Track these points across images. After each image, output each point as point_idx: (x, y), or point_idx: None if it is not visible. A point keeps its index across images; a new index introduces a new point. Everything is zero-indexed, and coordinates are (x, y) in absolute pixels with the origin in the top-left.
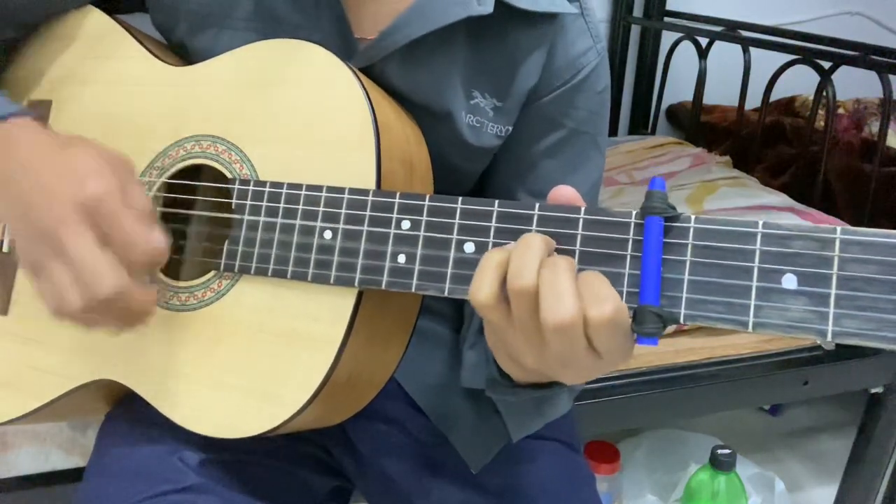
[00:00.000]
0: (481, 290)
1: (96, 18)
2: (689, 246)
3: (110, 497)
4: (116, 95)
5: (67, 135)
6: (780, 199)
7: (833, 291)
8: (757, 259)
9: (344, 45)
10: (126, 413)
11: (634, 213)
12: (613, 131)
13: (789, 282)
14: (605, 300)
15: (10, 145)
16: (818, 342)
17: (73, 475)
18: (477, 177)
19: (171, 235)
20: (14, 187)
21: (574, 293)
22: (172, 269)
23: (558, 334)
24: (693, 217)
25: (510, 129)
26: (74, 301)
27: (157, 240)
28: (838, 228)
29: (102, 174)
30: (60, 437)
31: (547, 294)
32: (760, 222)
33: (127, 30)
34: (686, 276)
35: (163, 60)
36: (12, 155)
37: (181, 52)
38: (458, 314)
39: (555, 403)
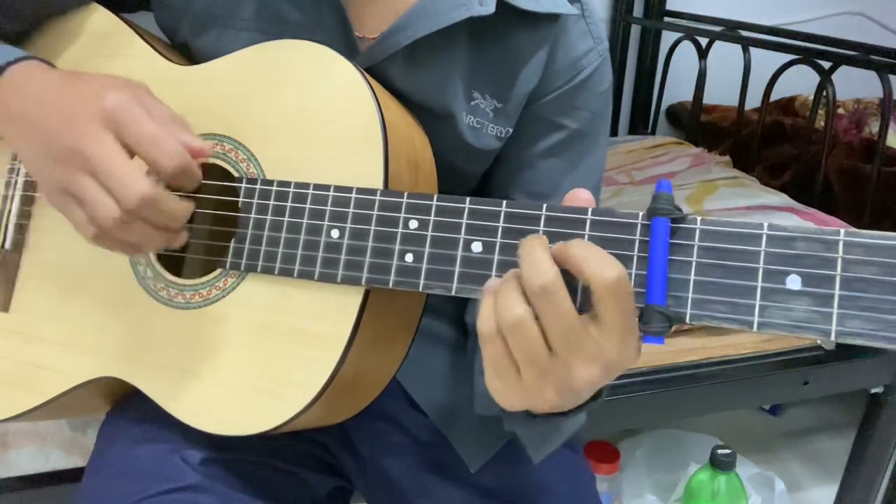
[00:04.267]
0: (485, 323)
1: (102, 16)
2: (696, 247)
3: (111, 496)
4: None
5: (76, 70)
6: (781, 199)
7: (836, 292)
8: (762, 260)
9: (346, 45)
10: (127, 412)
11: (641, 214)
12: (613, 131)
13: (793, 282)
14: (608, 265)
15: (23, 84)
16: (819, 342)
17: (73, 475)
18: (478, 178)
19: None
20: (30, 119)
21: (553, 269)
22: (178, 267)
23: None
24: (699, 219)
25: (510, 130)
26: (111, 211)
27: (189, 138)
28: (842, 231)
29: (118, 87)
30: (60, 437)
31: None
32: (765, 224)
33: (132, 28)
34: (692, 277)
35: (168, 59)
36: (25, 92)
37: (185, 52)
38: (458, 312)
39: (572, 421)
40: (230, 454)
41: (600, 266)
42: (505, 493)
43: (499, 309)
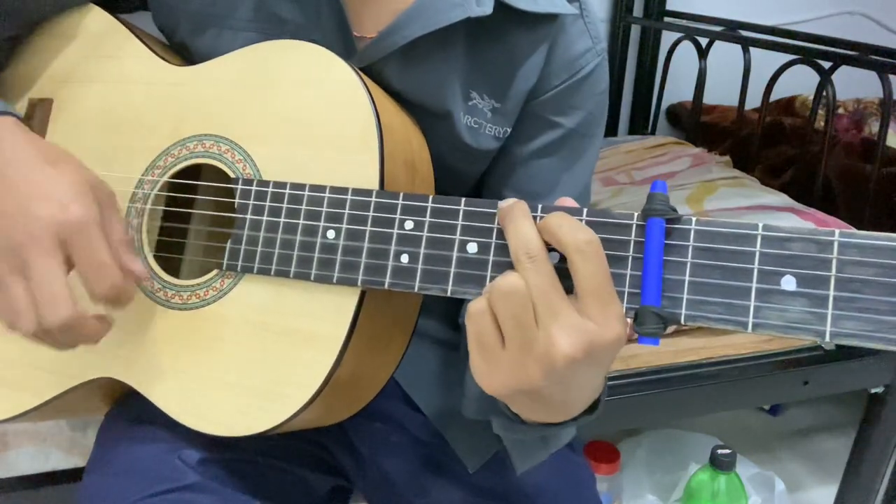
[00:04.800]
0: (476, 301)
1: (98, 17)
2: (690, 247)
3: (110, 496)
4: (119, 94)
5: (53, 147)
6: (780, 199)
7: (831, 293)
8: (757, 261)
9: (344, 44)
10: (126, 412)
11: (636, 214)
12: (613, 131)
13: (788, 283)
14: (580, 229)
15: None
16: (818, 342)
17: (73, 475)
18: (476, 179)
19: (172, 234)
20: None
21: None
22: (174, 267)
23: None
24: (694, 219)
25: (508, 130)
26: (28, 322)
27: (134, 265)
28: (836, 231)
29: (85, 201)
30: (60, 437)
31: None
32: (760, 225)
33: (129, 29)
34: (687, 278)
35: (165, 60)
36: None
37: (183, 52)
38: (452, 311)
39: (560, 436)
40: (229, 454)
41: (572, 230)
42: (504, 493)
43: (493, 281)
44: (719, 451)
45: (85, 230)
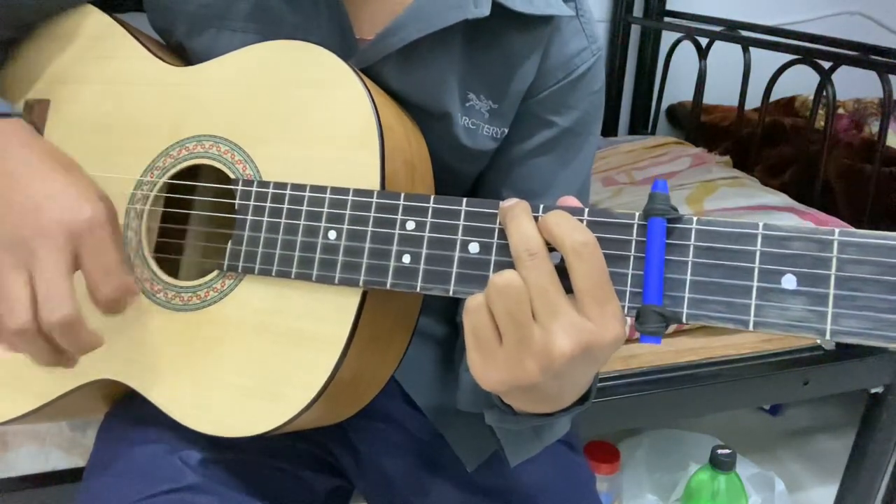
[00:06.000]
0: (474, 298)
1: (96, 18)
2: (692, 247)
3: (110, 496)
4: (116, 95)
5: (63, 154)
6: (780, 199)
7: (831, 291)
8: (757, 260)
9: (343, 45)
10: (126, 412)
11: (637, 214)
12: (613, 131)
13: (789, 282)
14: (578, 229)
15: (2, 149)
16: (819, 342)
17: (73, 475)
18: (473, 179)
19: (171, 235)
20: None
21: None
22: (174, 268)
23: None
24: (695, 219)
25: (505, 130)
26: (23, 318)
27: (131, 284)
28: (836, 230)
29: (98, 204)
30: (60, 437)
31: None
32: (761, 224)
33: (127, 29)
34: (688, 277)
35: (164, 60)
36: (2, 159)
37: (181, 52)
38: (452, 310)
39: (554, 428)
40: (229, 454)
41: (570, 230)
42: (503, 493)
43: (491, 278)
44: (719, 451)
45: (97, 231)
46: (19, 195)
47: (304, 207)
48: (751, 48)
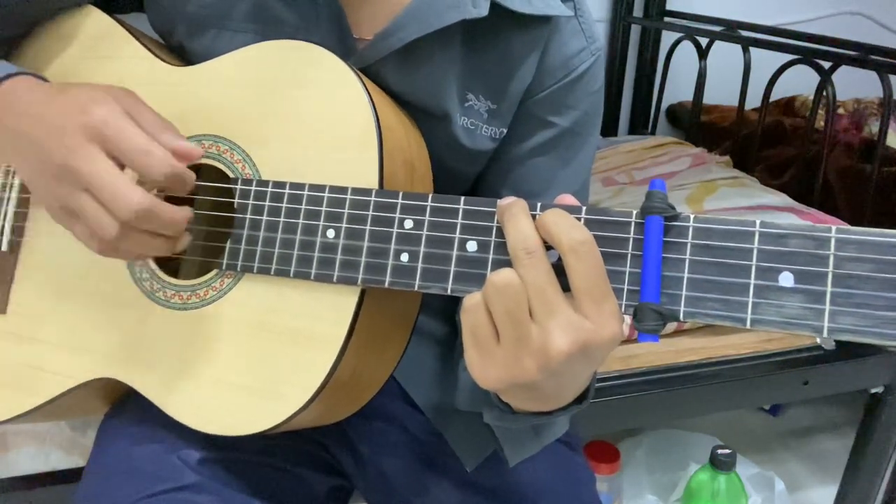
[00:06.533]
0: (471, 296)
1: (97, 18)
2: (689, 245)
3: (110, 496)
4: None
5: (64, 82)
6: (780, 199)
7: (829, 289)
8: (754, 257)
9: (341, 45)
10: (125, 412)
11: (635, 212)
12: (613, 131)
13: (786, 280)
14: (575, 227)
15: (13, 99)
16: (818, 341)
17: (73, 475)
18: (472, 179)
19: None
20: (21, 134)
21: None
22: (173, 267)
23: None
24: (692, 216)
25: (504, 130)
26: (110, 225)
27: (180, 143)
28: (833, 227)
29: (103, 100)
30: (60, 437)
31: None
32: (758, 222)
33: (127, 29)
34: (685, 275)
35: (164, 60)
36: (15, 107)
37: (181, 53)
38: (451, 309)
39: (552, 428)
40: (228, 454)
41: (567, 229)
42: (503, 493)
43: (488, 276)
44: (719, 451)
45: (111, 123)
46: (39, 129)
47: (303, 206)
48: (751, 48)
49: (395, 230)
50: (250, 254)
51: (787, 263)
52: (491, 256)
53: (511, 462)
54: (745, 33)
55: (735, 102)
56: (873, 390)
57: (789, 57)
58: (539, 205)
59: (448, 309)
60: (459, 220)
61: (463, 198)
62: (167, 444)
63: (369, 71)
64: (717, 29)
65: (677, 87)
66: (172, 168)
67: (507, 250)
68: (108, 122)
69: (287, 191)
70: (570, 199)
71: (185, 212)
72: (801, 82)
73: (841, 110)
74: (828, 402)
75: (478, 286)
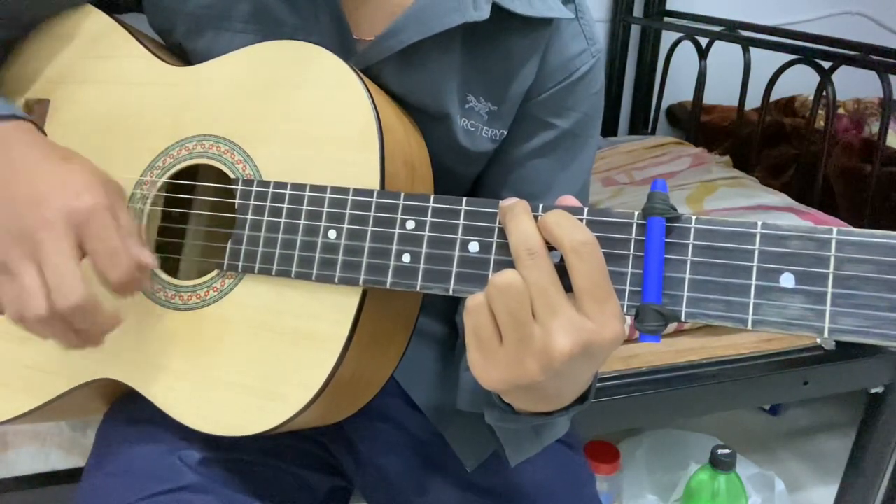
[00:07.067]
0: (474, 297)
1: (96, 18)
2: (690, 246)
3: (109, 496)
4: (116, 95)
5: (65, 148)
6: (780, 199)
7: (829, 290)
8: (756, 258)
9: (342, 46)
10: (125, 412)
11: (637, 213)
12: (613, 131)
13: (787, 280)
14: (577, 228)
15: (6, 147)
16: (818, 341)
17: (73, 475)
18: (472, 180)
19: (171, 235)
20: (4, 187)
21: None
22: (174, 268)
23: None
24: (694, 218)
25: (504, 132)
26: (39, 307)
27: (144, 256)
28: (834, 229)
29: (97, 191)
30: (60, 437)
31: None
32: (759, 223)
33: (127, 29)
34: (687, 275)
35: (163, 60)
36: (4, 154)
37: (180, 53)
38: (452, 310)
39: (553, 428)
40: (228, 454)
41: (570, 229)
42: (503, 493)
43: (491, 277)
44: (719, 451)
45: (96, 216)
46: (23, 189)
47: (304, 207)
48: (751, 48)
49: (396, 231)
50: (251, 254)
51: (788, 264)
52: (493, 257)
53: (512, 462)
54: (745, 33)
55: (735, 102)
56: (873, 390)
57: (789, 57)
58: (541, 206)
59: (449, 310)
60: (461, 221)
61: (465, 198)
62: (167, 444)
63: (369, 72)
64: (717, 29)
65: (677, 87)
66: (130, 277)
67: (509, 251)
68: (94, 215)
69: (288, 191)
70: (571, 201)
71: (115, 319)
72: (801, 82)
73: (841, 110)
74: (828, 402)
75: (480, 287)
